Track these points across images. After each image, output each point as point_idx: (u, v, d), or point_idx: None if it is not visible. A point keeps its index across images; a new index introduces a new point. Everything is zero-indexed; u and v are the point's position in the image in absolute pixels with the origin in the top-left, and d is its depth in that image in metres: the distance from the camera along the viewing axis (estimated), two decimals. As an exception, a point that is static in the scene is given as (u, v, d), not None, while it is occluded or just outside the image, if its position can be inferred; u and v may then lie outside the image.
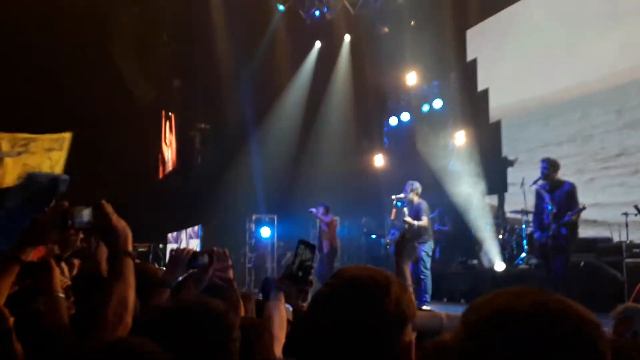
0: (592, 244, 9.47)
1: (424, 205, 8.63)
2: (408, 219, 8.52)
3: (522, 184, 10.27)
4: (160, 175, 19.85)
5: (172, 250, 2.37)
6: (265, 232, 15.50)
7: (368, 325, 1.20)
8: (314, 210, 11.21)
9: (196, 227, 15.94)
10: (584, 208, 7.15)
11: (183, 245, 16.17)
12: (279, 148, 16.01)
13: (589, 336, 0.88)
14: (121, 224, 1.72)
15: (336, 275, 1.31)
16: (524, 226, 10.83)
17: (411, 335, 1.26)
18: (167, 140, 19.72)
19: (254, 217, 15.82)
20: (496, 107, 13.44)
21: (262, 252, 15.31)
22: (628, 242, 8.95)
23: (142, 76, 15.94)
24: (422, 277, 8.30)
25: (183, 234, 16.79)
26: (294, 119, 16.43)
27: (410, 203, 8.74)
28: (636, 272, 8.60)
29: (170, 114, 19.27)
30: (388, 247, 11.58)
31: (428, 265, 8.55)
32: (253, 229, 15.68)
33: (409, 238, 2.49)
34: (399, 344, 1.22)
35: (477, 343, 0.92)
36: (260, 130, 16.20)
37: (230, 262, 2.51)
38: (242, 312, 2.61)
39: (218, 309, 1.51)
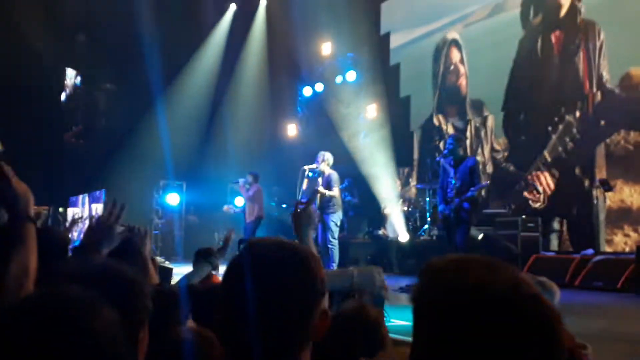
0: (491, 218, 9.95)
1: (335, 176, 8.67)
2: (321, 188, 8.55)
3: (427, 158, 10.58)
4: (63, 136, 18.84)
5: (92, 217, 2.24)
6: (173, 198, 15.13)
7: (287, 301, 1.21)
8: (241, 181, 11.01)
9: (100, 192, 15.33)
10: (486, 184, 7.45)
11: (86, 211, 15.52)
12: (189, 113, 15.55)
13: (556, 325, 0.90)
14: (22, 187, 1.61)
15: (252, 249, 1.27)
16: (427, 199, 11.21)
17: (325, 303, 1.28)
18: (71, 99, 18.68)
19: (161, 183, 15.38)
20: (408, 80, 13.68)
21: (170, 219, 14.95)
22: (523, 217, 9.48)
23: (43, 29, 14.88)
24: (329, 246, 8.39)
25: (86, 198, 16.08)
26: (206, 83, 15.98)
27: (321, 173, 8.77)
28: (529, 245, 9.14)
29: (73, 71, 18.21)
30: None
31: (336, 235, 8.65)
32: (160, 194, 15.26)
33: (303, 209, 2.42)
34: (315, 315, 1.24)
35: (453, 324, 0.90)
36: (169, 94, 15.65)
37: (148, 240, 2.50)
38: (156, 280, 2.54)
39: (129, 275, 1.41)
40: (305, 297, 1.22)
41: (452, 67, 12.56)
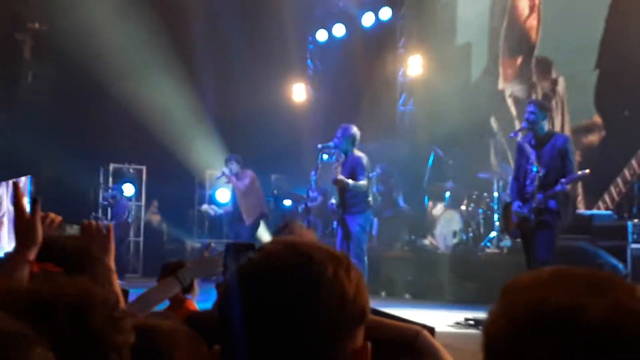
0: (587, 223, 9.91)
1: (364, 160, 8.66)
2: (341, 177, 8.53)
3: (495, 135, 10.54)
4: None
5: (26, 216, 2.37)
6: (126, 189, 15.24)
7: (314, 316, 1.21)
8: (226, 172, 11.11)
9: (23, 179, 15.44)
10: (585, 174, 7.39)
11: (4, 206, 15.64)
12: (153, 69, 15.58)
13: None
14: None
15: (278, 245, 1.31)
16: (495, 194, 11.18)
17: (364, 340, 1.29)
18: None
19: (111, 167, 15.47)
20: (466, 22, 13.62)
21: (124, 217, 15.06)
22: (635, 222, 9.42)
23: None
24: (354, 260, 8.43)
25: (2, 189, 16.20)
26: (176, 26, 15.99)
27: (343, 156, 8.78)
28: (643, 261, 9.10)
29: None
30: (308, 216, 11.68)
31: (364, 245, 8.66)
32: (110, 183, 15.36)
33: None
34: (348, 347, 1.24)
35: None
36: (122, 38, 15.68)
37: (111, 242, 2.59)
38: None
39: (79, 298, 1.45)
40: (322, 327, 1.22)
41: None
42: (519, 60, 12.52)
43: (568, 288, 0.98)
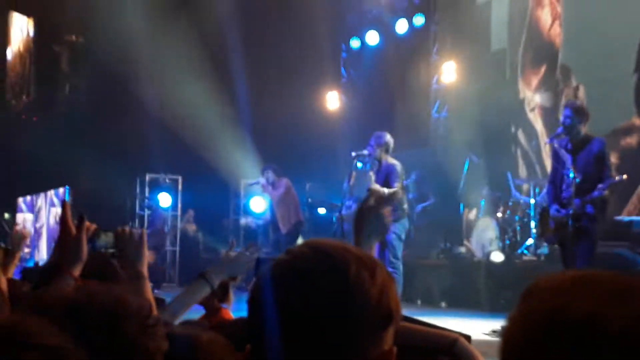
0: (627, 228, 9.79)
1: (398, 167, 8.67)
2: (375, 186, 8.55)
3: (535, 140, 10.47)
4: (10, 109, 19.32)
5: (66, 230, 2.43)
6: (163, 199, 15.37)
7: (336, 317, 1.21)
8: (262, 181, 11.22)
9: (61, 190, 15.64)
10: (622, 180, 7.30)
11: (43, 218, 15.86)
12: (187, 79, 15.71)
13: None
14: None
15: (304, 247, 1.33)
16: (532, 201, 11.09)
17: (391, 345, 1.28)
18: (20, 57, 19.13)
19: (147, 177, 15.60)
20: (502, 26, 13.56)
21: (160, 227, 15.19)
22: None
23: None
24: (390, 268, 8.41)
25: (41, 200, 16.43)
26: (208, 33, 16.10)
27: (376, 164, 8.79)
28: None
29: (24, 17, 18.59)
30: (342, 224, 11.68)
31: (399, 252, 8.65)
32: (146, 194, 15.49)
33: (372, 206, 2.40)
34: (371, 351, 1.24)
35: None
36: (157, 50, 15.85)
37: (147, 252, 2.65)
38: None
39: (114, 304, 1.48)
40: (343, 328, 1.22)
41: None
42: (543, 69, 12.44)
43: (589, 294, 0.96)
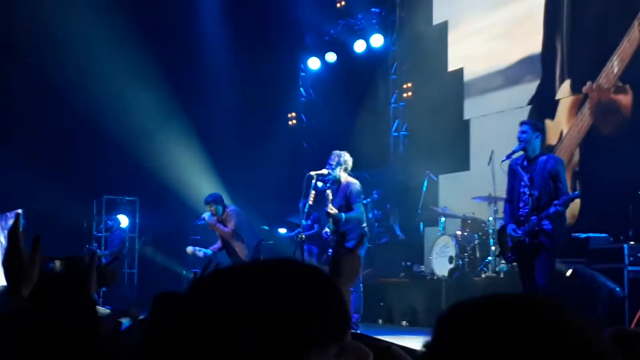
0: (583, 245, 9.91)
1: (357, 186, 8.70)
2: (332, 209, 8.58)
3: (491, 159, 10.58)
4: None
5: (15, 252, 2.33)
6: (121, 221, 15.26)
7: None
8: (207, 217, 10.68)
9: (13, 214, 15.40)
10: (577, 195, 7.43)
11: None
12: (141, 98, 15.61)
13: None
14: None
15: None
16: (490, 219, 11.20)
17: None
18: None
19: (104, 198, 15.47)
20: (458, 50, 13.72)
21: (117, 247, 15.04)
22: (631, 244, 9.43)
23: None
24: (350, 288, 8.43)
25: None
26: (166, 52, 16.05)
27: (336, 183, 8.81)
28: (641, 284, 9.10)
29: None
30: (302, 243, 11.62)
31: (359, 272, 8.67)
32: (103, 215, 15.37)
33: (348, 249, 2.42)
34: None
35: None
36: (114, 69, 15.74)
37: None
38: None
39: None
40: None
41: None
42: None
43: (498, 319, 1.03)
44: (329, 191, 8.79)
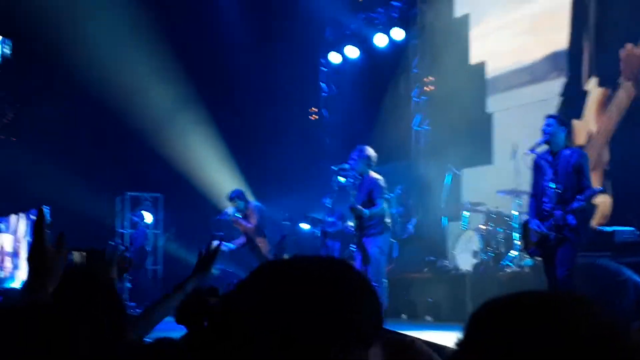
0: (609, 239, 9.85)
1: (381, 182, 8.71)
2: (356, 206, 8.60)
3: (515, 153, 10.54)
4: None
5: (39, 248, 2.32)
6: (148, 217, 15.38)
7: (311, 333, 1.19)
8: (230, 212, 10.88)
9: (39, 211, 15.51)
10: (600, 191, 7.39)
11: (21, 238, 15.74)
12: (162, 96, 15.69)
13: None
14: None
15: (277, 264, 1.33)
16: (514, 213, 11.16)
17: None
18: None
19: (128, 195, 15.57)
20: (481, 38, 13.66)
21: (142, 245, 15.14)
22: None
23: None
24: (374, 283, 8.44)
25: (15, 219, 16.28)
26: (191, 52, 16.12)
27: (359, 178, 8.81)
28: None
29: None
30: (325, 239, 11.68)
31: (383, 267, 8.67)
32: (128, 212, 15.47)
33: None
34: None
35: None
36: (137, 67, 15.82)
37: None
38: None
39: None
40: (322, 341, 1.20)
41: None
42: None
43: (520, 315, 1.07)
44: (354, 187, 8.79)
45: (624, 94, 11.13)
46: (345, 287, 1.26)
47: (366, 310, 1.26)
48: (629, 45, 10.97)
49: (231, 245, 11.10)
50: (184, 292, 3.30)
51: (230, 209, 10.91)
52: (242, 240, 11.10)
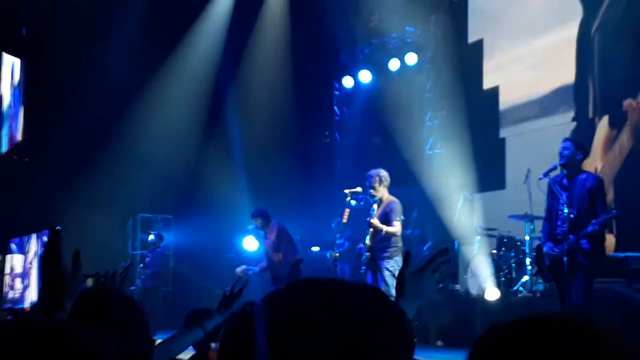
0: (623, 264, 9.78)
1: (398, 205, 8.73)
2: (375, 221, 8.59)
3: (527, 177, 10.50)
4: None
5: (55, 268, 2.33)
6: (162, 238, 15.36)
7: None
8: (250, 229, 11.06)
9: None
10: (615, 214, 7.33)
11: (32, 259, 15.75)
12: (179, 117, 15.77)
13: None
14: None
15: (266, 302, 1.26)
16: (527, 237, 11.10)
17: None
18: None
19: (139, 217, 15.58)
20: (493, 66, 13.68)
21: (159, 268, 15.10)
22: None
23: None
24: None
25: (33, 241, 16.31)
26: (201, 76, 16.20)
27: (377, 201, 8.80)
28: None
29: (15, 59, 18.68)
30: (335, 262, 11.60)
31: (394, 290, 8.61)
32: (139, 233, 15.47)
33: (413, 270, 2.14)
34: None
35: None
36: (149, 89, 15.93)
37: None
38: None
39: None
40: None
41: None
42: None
43: (532, 343, 1.00)
44: (375, 205, 8.81)
45: (626, 137, 11.23)
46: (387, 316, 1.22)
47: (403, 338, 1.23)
48: (626, 102, 11.11)
49: (255, 269, 11.23)
50: (205, 329, 3.26)
51: (252, 225, 11.04)
52: (265, 264, 11.17)
